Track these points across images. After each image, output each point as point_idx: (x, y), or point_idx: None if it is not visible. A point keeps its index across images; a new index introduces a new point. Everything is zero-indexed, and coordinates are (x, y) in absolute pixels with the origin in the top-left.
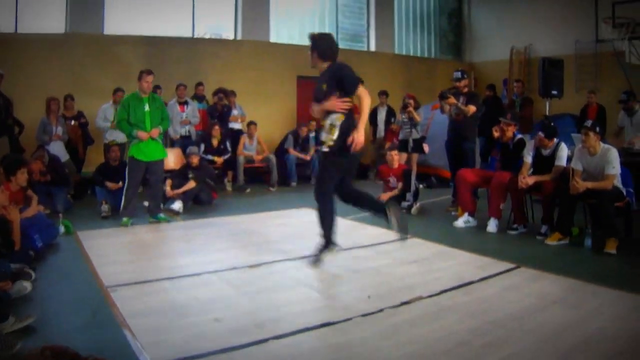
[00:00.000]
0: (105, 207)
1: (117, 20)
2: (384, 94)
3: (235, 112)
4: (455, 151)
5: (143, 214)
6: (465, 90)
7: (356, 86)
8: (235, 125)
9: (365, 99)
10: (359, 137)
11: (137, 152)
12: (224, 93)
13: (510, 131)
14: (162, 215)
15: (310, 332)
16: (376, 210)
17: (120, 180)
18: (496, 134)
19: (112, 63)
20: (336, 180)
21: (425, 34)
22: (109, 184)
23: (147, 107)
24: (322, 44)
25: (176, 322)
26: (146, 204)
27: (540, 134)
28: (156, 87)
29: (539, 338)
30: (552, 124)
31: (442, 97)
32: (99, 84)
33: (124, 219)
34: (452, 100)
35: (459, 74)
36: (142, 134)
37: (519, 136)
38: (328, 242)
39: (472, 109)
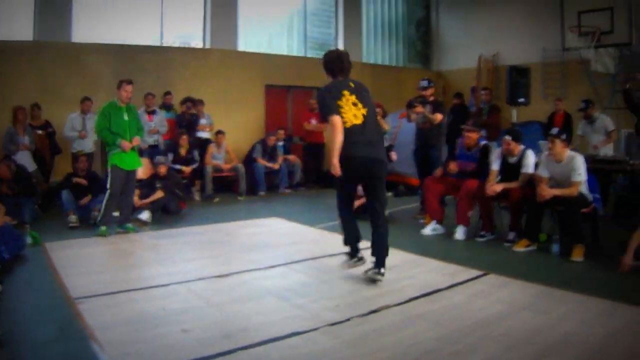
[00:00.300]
0: (72, 218)
1: (85, 28)
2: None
3: (203, 121)
4: (422, 159)
5: (111, 223)
6: (432, 98)
7: (325, 117)
8: (204, 134)
9: (332, 132)
10: (330, 162)
11: (120, 161)
12: (192, 102)
13: (473, 138)
14: (130, 225)
15: (279, 342)
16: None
17: (89, 191)
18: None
19: (81, 71)
20: (343, 197)
21: (394, 42)
22: (84, 201)
23: (126, 117)
24: (324, 61)
25: (144, 334)
26: (116, 214)
27: (507, 137)
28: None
29: (507, 344)
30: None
31: (410, 105)
32: (67, 92)
33: (102, 228)
34: (420, 108)
35: (425, 83)
36: (125, 144)
37: (483, 142)
38: (351, 254)
39: (438, 117)
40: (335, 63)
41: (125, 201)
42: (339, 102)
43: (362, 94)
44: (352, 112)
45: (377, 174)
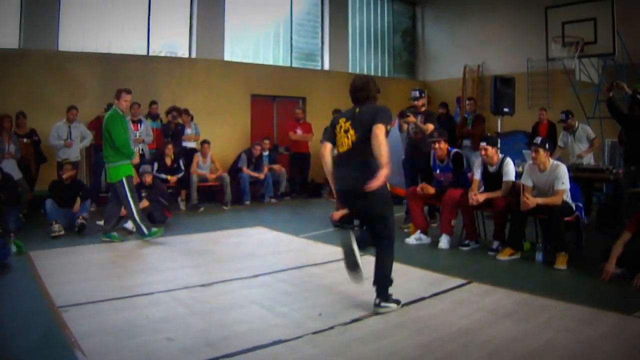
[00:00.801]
0: (55, 227)
1: (72, 36)
2: (337, 112)
3: (189, 130)
4: (413, 168)
5: (95, 232)
6: (423, 109)
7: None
8: (189, 144)
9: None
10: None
11: (131, 170)
12: (178, 111)
13: (443, 148)
14: (115, 234)
15: (261, 350)
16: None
17: (74, 199)
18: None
19: (67, 80)
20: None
21: (379, 52)
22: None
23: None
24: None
25: (128, 342)
26: (100, 222)
27: (482, 143)
28: (109, 105)
29: (489, 352)
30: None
31: (402, 115)
32: (53, 101)
33: (154, 229)
34: (412, 118)
35: (416, 93)
36: (136, 158)
37: (454, 150)
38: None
39: (430, 127)
40: (351, 92)
41: (113, 210)
42: (335, 130)
43: (360, 119)
44: (341, 139)
45: (364, 206)
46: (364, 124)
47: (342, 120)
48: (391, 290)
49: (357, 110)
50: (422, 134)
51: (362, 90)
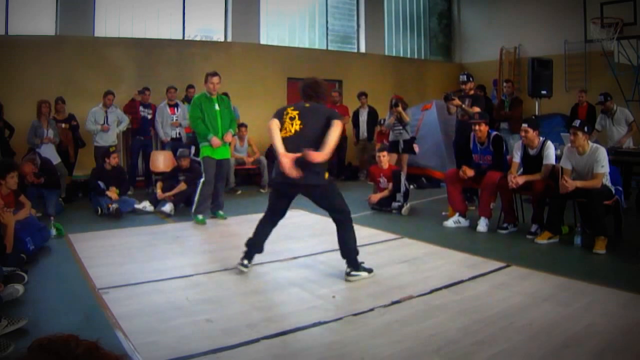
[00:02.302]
0: (114, 206)
1: (107, 22)
2: (363, 95)
3: None
4: (462, 149)
5: (132, 216)
6: (471, 92)
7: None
8: None
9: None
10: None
11: (211, 152)
12: None
13: (482, 131)
14: (221, 212)
15: (302, 331)
16: None
17: (117, 185)
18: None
19: (103, 65)
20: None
21: (415, 35)
22: (110, 194)
23: (217, 107)
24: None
25: (168, 323)
26: (137, 205)
27: (524, 124)
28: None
29: (528, 335)
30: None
31: (447, 98)
32: (90, 86)
33: (199, 217)
34: (457, 102)
35: (464, 77)
36: (215, 141)
37: (494, 133)
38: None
39: (475, 109)
40: (302, 89)
41: (216, 188)
42: (282, 115)
43: (309, 113)
44: (287, 125)
45: (304, 184)
46: (313, 118)
47: (290, 109)
48: (431, 272)
49: (307, 104)
50: (469, 117)
51: (311, 88)
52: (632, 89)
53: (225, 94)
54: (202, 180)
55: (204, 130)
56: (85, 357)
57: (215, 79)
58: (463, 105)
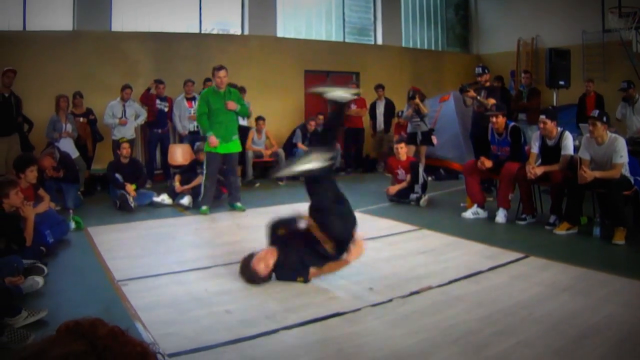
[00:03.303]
0: (130, 198)
1: (124, 16)
2: (380, 87)
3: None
4: (479, 141)
5: (150, 209)
6: (487, 84)
7: None
8: (242, 122)
9: None
10: None
11: (212, 147)
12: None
13: (500, 122)
14: (239, 204)
15: (320, 322)
16: None
17: (134, 179)
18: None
19: (120, 60)
20: None
21: (432, 26)
22: (128, 188)
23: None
24: None
25: (187, 315)
26: (156, 198)
27: (542, 116)
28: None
29: (547, 326)
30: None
31: (462, 90)
32: (107, 80)
33: (203, 208)
34: (472, 93)
35: (480, 69)
36: (213, 140)
37: (512, 124)
38: None
39: (491, 101)
40: None
41: (229, 182)
42: None
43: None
44: None
45: None
46: None
47: None
48: (449, 263)
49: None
50: (485, 109)
51: None
52: None
53: (242, 88)
54: (204, 174)
55: (206, 126)
56: (109, 340)
57: (222, 73)
58: (478, 97)
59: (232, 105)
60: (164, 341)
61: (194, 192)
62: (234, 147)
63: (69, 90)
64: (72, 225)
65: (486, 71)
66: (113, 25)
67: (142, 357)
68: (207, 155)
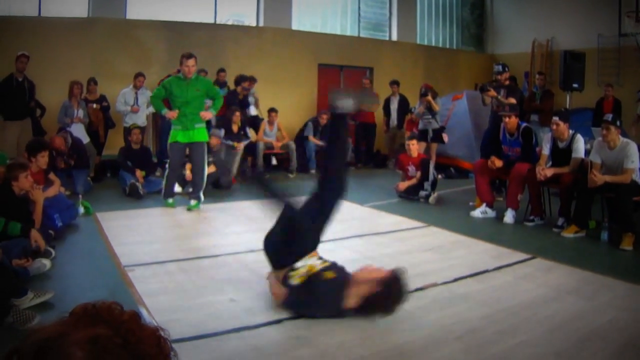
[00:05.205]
0: (139, 185)
1: (139, 4)
2: (395, 83)
3: (251, 98)
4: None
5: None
6: (507, 82)
7: None
8: (251, 112)
9: None
10: None
11: (180, 136)
12: (249, 82)
13: (512, 123)
14: (192, 202)
15: None
16: None
17: (144, 165)
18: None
19: (134, 47)
20: None
21: (448, 24)
22: (138, 174)
23: (190, 89)
24: None
25: (192, 302)
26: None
27: (555, 117)
28: (200, 70)
29: (550, 327)
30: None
31: (483, 89)
32: (121, 68)
33: (168, 201)
34: (492, 92)
35: (499, 68)
36: (170, 113)
37: (524, 125)
38: None
39: (512, 101)
40: None
41: (192, 177)
42: None
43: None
44: None
45: None
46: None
47: None
48: (455, 261)
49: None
50: (503, 108)
51: None
52: None
53: (252, 77)
54: (167, 165)
55: (159, 105)
56: (130, 324)
57: (191, 62)
58: (499, 97)
59: (207, 115)
60: (168, 327)
61: (207, 180)
62: (198, 135)
63: (82, 76)
64: (81, 210)
65: (506, 69)
66: (128, 12)
67: (159, 341)
68: (169, 147)
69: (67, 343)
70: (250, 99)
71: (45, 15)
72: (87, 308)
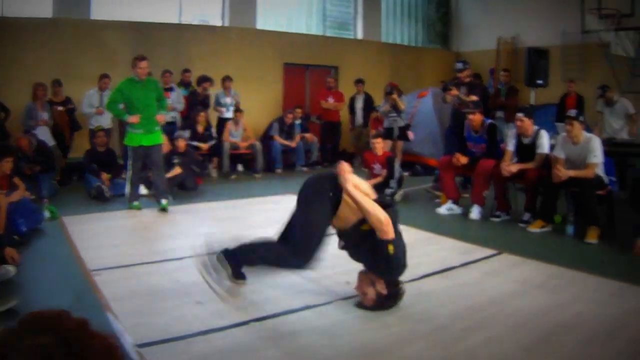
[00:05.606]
0: (105, 188)
1: (104, 5)
2: (360, 82)
3: (228, 99)
4: (456, 137)
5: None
6: (467, 80)
7: None
8: (228, 114)
9: None
10: None
11: (130, 140)
12: (210, 82)
13: (477, 120)
14: (163, 202)
15: (291, 314)
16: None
17: (110, 168)
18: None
19: (99, 48)
20: None
21: (413, 22)
22: (104, 177)
23: (145, 91)
24: None
25: (158, 305)
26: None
27: (519, 114)
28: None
29: (517, 322)
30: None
31: (445, 89)
32: (86, 69)
33: (135, 203)
34: (455, 92)
35: (460, 65)
36: (132, 118)
37: (489, 121)
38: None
39: (473, 98)
40: None
41: (154, 178)
42: None
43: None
44: None
45: None
46: None
47: None
48: (422, 258)
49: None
50: (465, 105)
51: None
52: (628, 81)
53: (227, 77)
54: (128, 169)
55: (118, 112)
56: (77, 332)
57: (144, 64)
58: (460, 95)
59: (162, 118)
60: (134, 332)
61: (171, 183)
62: (157, 138)
63: (47, 78)
64: (47, 214)
65: (467, 67)
66: (93, 13)
67: (108, 349)
68: (129, 150)
69: (10, 352)
70: (229, 100)
71: (8, 16)
72: (34, 316)
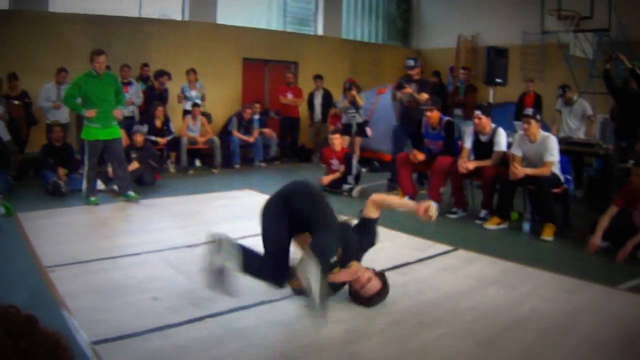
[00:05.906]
0: (62, 183)
1: None
2: (319, 77)
3: (194, 92)
4: (404, 134)
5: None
6: (417, 77)
7: None
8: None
9: None
10: None
11: (86, 134)
12: (168, 75)
13: (434, 117)
14: (131, 193)
15: (246, 310)
16: None
17: (66, 161)
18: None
19: (57, 42)
20: None
21: (373, 19)
22: (60, 173)
23: (103, 85)
24: None
25: (114, 301)
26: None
27: (477, 111)
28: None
29: (473, 317)
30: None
31: (399, 87)
32: (44, 62)
33: (92, 199)
34: (409, 90)
35: (411, 62)
36: (90, 112)
37: (446, 119)
38: None
39: (424, 96)
40: None
41: (116, 172)
42: None
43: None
44: None
45: None
46: None
47: None
48: (377, 254)
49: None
50: (416, 102)
51: None
52: (586, 82)
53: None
54: (85, 164)
55: (75, 106)
56: (24, 327)
57: (102, 58)
58: (414, 93)
59: (119, 113)
60: (90, 328)
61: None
62: (115, 132)
63: (2, 71)
64: (2, 210)
65: (418, 64)
66: (50, 5)
67: (55, 346)
68: (86, 144)
69: None
70: (194, 93)
71: None
72: None
